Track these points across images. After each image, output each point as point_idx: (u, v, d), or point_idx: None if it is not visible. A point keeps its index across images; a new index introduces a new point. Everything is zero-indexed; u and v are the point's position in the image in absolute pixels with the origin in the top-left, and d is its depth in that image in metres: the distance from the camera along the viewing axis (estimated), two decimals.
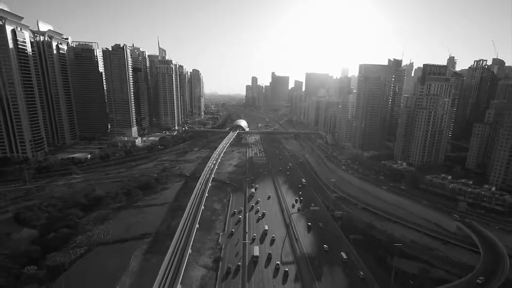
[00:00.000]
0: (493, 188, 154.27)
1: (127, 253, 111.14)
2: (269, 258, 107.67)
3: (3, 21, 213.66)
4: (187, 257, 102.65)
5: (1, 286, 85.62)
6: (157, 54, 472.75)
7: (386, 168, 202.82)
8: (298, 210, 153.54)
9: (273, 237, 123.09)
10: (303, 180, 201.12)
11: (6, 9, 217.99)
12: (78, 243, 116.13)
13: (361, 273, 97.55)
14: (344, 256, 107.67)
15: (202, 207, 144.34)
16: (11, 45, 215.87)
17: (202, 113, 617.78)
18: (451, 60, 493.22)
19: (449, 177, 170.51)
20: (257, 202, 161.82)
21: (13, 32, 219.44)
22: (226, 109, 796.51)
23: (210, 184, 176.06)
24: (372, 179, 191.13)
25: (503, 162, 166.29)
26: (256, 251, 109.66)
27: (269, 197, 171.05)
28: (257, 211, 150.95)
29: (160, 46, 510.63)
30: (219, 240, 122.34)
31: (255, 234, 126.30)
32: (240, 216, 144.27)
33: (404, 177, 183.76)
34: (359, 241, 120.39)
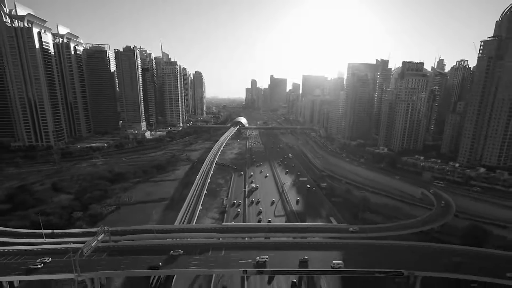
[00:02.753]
0: (457, 165, 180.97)
1: (149, 210, 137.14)
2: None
3: (31, 24, 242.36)
4: (198, 210, 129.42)
5: (57, 224, 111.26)
6: (161, 57, 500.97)
7: (369, 153, 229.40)
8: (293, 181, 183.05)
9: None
10: (290, 155, 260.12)
11: (33, 13, 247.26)
12: (109, 203, 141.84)
13: (313, 188, 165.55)
14: (308, 186, 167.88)
15: (209, 179, 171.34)
16: (37, 45, 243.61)
17: (204, 113, 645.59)
18: (441, 63, 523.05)
19: (422, 158, 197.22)
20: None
21: (39, 34, 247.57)
22: (227, 110, 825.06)
23: (214, 165, 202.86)
24: (355, 161, 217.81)
25: (467, 144, 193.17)
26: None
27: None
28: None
29: (163, 50, 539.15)
30: (224, 202, 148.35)
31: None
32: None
33: (384, 159, 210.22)
34: (339, 203, 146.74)
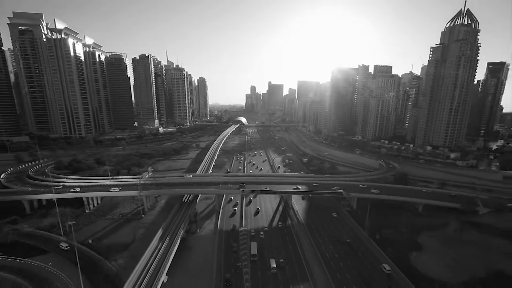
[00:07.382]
0: (411, 145, 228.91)
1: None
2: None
3: (67, 36, 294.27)
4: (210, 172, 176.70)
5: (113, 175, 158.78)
6: (168, 64, 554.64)
7: (347, 140, 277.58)
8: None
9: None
10: (276, 138, 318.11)
11: (68, 27, 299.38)
12: (141, 171, 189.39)
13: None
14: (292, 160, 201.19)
15: (216, 157, 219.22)
16: (72, 53, 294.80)
17: (208, 116, 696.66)
18: (424, 68, 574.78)
19: (386, 141, 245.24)
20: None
21: (73, 44, 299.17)
22: (229, 114, 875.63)
23: (220, 149, 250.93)
24: (333, 146, 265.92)
25: (422, 130, 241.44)
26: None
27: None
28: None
29: (168, 59, 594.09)
30: (228, 170, 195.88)
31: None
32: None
33: (357, 144, 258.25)
34: (314, 170, 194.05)
